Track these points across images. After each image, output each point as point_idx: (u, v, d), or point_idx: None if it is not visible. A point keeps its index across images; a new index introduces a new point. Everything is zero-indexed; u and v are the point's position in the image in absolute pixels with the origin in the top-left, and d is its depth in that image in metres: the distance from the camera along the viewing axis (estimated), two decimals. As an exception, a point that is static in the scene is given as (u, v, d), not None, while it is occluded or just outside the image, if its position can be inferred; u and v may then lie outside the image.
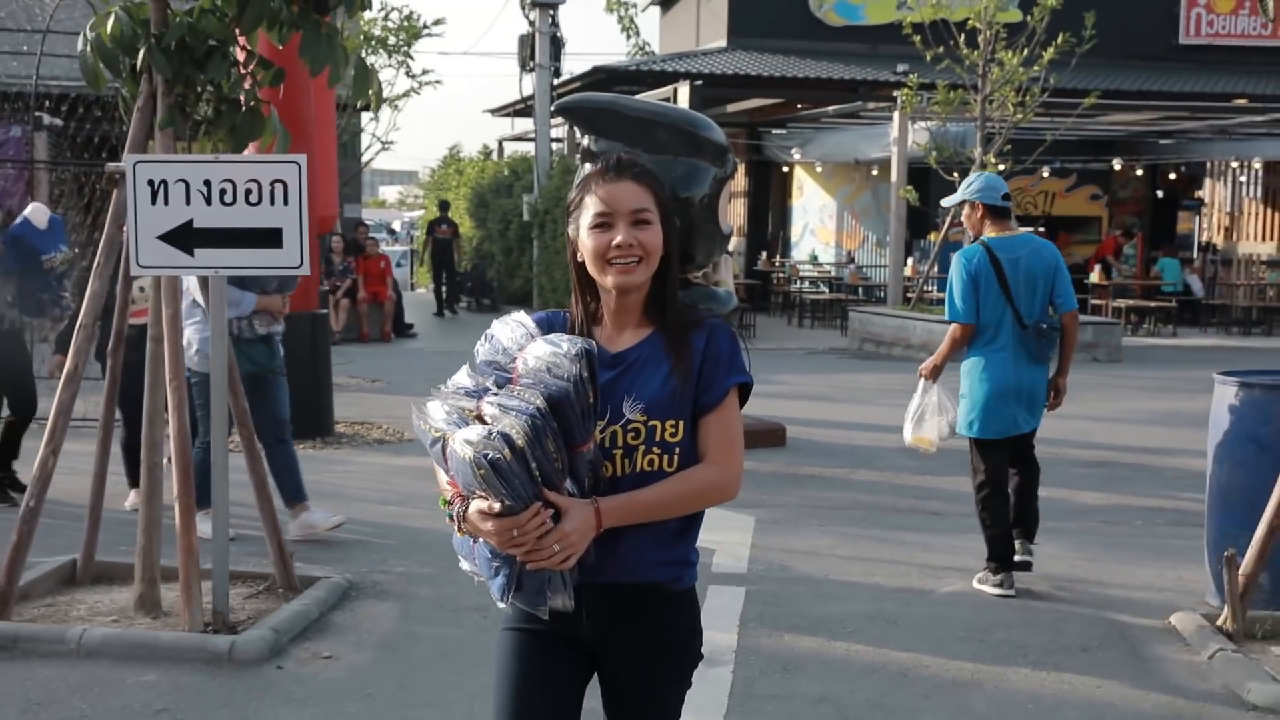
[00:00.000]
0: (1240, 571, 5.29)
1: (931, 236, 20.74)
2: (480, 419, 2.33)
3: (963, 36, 16.41)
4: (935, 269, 19.90)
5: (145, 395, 5.52)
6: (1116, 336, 16.75)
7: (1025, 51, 16.27)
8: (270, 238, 5.07)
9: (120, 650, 5.03)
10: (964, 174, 16.90)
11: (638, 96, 18.80)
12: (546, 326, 2.53)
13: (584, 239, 2.52)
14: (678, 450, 2.48)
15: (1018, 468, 6.23)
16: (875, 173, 22.64)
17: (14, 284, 7.54)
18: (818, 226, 26.58)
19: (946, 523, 7.53)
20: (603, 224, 2.49)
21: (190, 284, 6.29)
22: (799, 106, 23.58)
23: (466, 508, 2.34)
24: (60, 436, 5.41)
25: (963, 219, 6.38)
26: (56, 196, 16.12)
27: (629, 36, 32.14)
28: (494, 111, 28.41)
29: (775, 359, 15.75)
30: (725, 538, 6.88)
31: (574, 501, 2.36)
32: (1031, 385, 6.04)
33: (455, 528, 2.40)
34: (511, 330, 2.47)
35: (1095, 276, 21.46)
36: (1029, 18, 16.66)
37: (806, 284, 23.44)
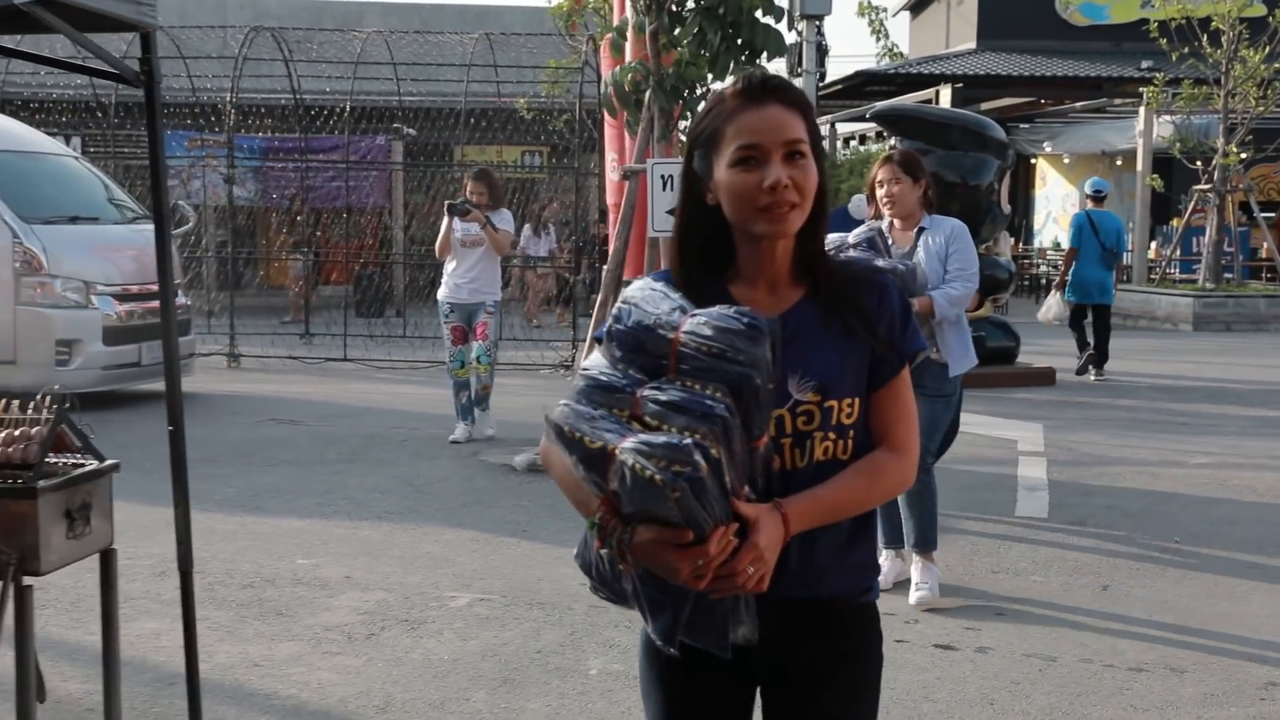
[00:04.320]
0: None
1: (1174, 222, 22.36)
2: (638, 419, 1.84)
3: (1205, 36, 18.01)
4: (1178, 251, 21.60)
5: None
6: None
7: (1267, 49, 17.84)
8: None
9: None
10: (1207, 163, 18.74)
11: (897, 99, 21.07)
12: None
13: (723, 179, 2.02)
14: (852, 434, 2.06)
15: (1097, 326, 12.61)
16: (1120, 163, 24.34)
17: None
18: (1060, 215, 28.30)
19: (1194, 430, 9.81)
20: (748, 159, 2.00)
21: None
22: (1043, 102, 25.48)
23: (633, 535, 1.83)
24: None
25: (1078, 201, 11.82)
26: (411, 190, 19.82)
27: (878, 39, 34.42)
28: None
29: (1032, 328, 17.88)
30: (1023, 434, 9.40)
31: (762, 509, 1.90)
32: (1101, 280, 12.58)
33: (614, 559, 1.88)
34: (656, 302, 1.96)
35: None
36: (1271, 17, 18.19)
37: (1051, 268, 25.30)
